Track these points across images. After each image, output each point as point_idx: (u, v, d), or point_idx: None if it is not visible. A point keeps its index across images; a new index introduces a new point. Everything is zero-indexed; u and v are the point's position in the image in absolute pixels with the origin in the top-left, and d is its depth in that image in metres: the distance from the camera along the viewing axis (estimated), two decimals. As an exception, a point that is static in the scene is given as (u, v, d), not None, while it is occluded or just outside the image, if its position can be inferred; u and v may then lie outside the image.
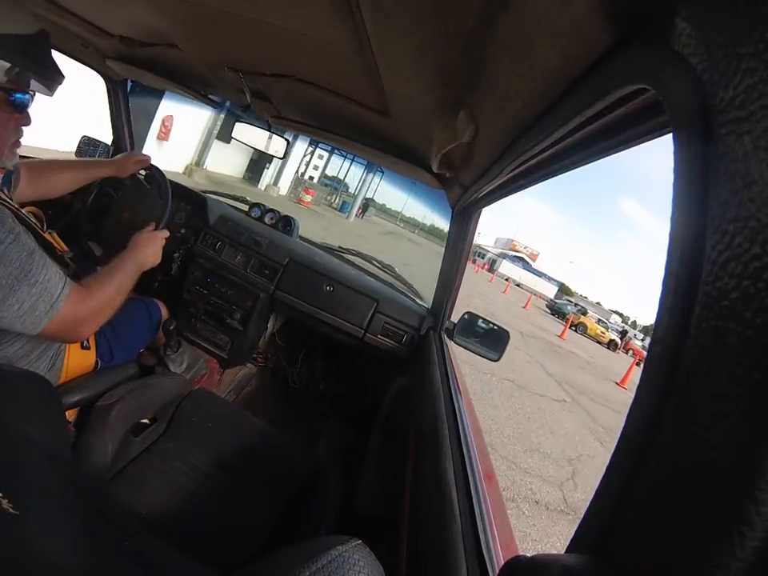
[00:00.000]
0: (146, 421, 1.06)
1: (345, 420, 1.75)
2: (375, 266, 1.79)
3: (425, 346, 1.34)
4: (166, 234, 1.10)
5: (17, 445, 0.44)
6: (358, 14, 0.51)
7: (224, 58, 1.01)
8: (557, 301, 24.73)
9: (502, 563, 0.29)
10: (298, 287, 1.53)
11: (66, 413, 0.90)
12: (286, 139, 1.40)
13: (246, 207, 1.82)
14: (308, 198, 15.04)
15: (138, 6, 0.84)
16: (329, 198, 21.06)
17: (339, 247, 1.84)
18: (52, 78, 0.80)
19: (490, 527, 0.58)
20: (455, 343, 1.40)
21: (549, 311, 22.10)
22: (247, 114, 1.36)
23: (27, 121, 0.81)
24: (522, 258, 49.09)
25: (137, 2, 0.81)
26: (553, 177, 0.63)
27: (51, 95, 0.84)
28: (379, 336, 1.49)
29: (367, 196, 20.73)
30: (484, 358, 1.40)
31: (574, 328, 17.15)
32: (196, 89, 1.41)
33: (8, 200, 0.75)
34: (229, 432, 1.14)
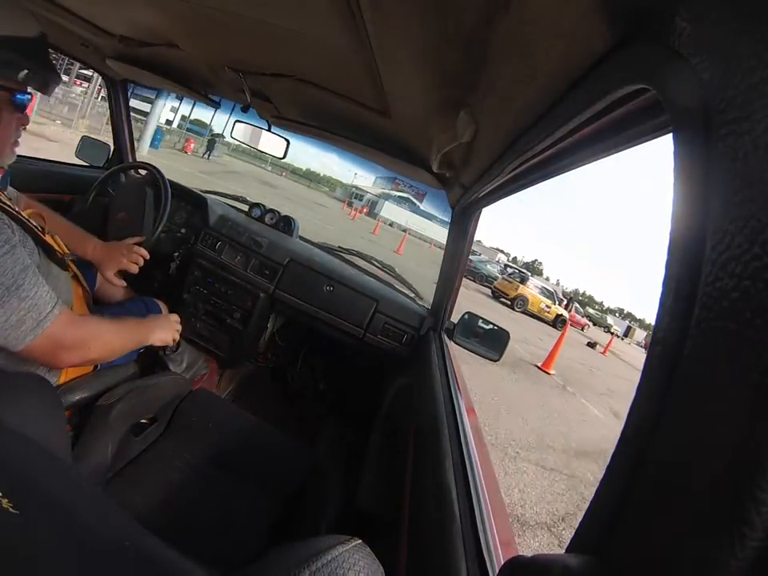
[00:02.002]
0: (145, 421, 1.06)
1: (345, 420, 1.75)
2: (375, 265, 1.80)
3: (425, 345, 1.34)
4: (178, 324, 1.10)
5: (17, 445, 0.44)
6: (358, 14, 0.50)
7: (224, 58, 1.00)
8: (472, 258, 16.80)
9: (502, 563, 0.29)
10: (297, 287, 1.53)
11: (66, 413, 0.90)
12: (285, 140, 1.40)
13: (246, 207, 1.83)
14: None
15: (138, 6, 0.84)
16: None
17: (339, 247, 1.85)
18: (51, 80, 0.81)
19: (489, 527, 0.58)
20: (455, 343, 1.40)
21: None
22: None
23: (26, 120, 0.82)
24: (407, 199, 40.90)
25: (137, 1, 0.81)
26: (553, 177, 0.63)
27: (48, 96, 0.84)
28: (379, 336, 1.49)
29: (216, 132, 17.34)
30: (484, 357, 1.40)
31: (510, 302, 13.14)
32: (196, 89, 1.41)
33: (7, 203, 0.74)
34: (228, 432, 1.14)
